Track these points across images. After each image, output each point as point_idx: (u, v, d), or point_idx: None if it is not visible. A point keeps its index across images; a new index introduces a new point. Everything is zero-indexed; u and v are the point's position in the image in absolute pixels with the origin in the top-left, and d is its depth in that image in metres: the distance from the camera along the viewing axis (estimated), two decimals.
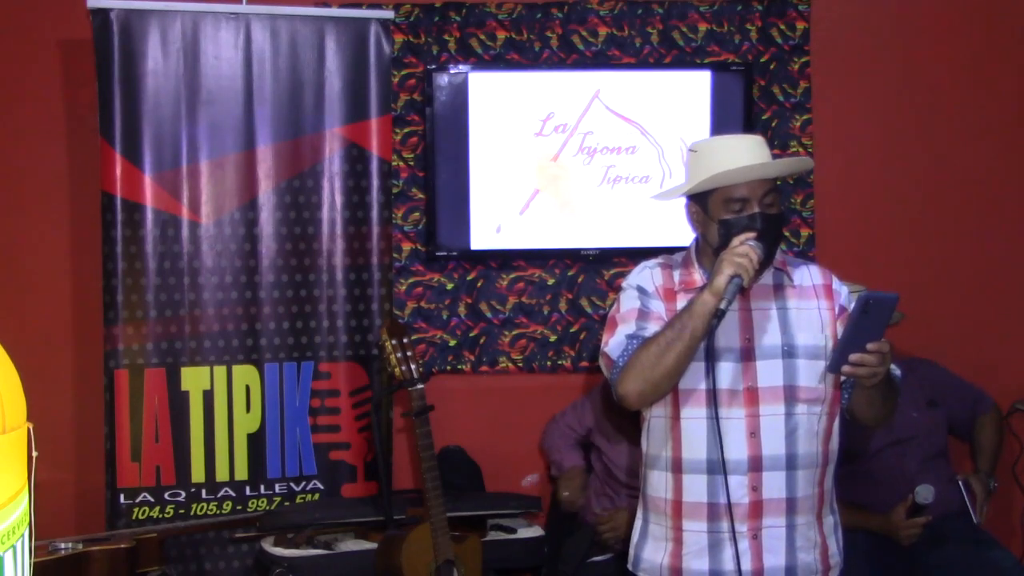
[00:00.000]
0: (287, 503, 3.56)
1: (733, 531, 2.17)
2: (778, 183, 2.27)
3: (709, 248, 2.25)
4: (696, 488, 2.21)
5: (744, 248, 2.11)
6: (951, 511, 3.33)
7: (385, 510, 3.33)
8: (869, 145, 3.96)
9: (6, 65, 3.71)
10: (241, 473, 3.53)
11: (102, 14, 3.44)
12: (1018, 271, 3.97)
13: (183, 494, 3.48)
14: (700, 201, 2.27)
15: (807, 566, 2.23)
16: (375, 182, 3.67)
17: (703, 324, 2.09)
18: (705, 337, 2.11)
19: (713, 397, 2.16)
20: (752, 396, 2.20)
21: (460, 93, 3.75)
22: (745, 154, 2.20)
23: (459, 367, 3.87)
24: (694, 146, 2.31)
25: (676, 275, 2.31)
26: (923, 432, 3.39)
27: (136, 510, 3.44)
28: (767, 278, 2.27)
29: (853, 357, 2.04)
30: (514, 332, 3.88)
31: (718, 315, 2.08)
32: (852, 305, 2.15)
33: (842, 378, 2.18)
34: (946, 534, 3.23)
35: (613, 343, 2.23)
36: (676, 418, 2.23)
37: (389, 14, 3.72)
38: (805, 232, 3.93)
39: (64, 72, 3.73)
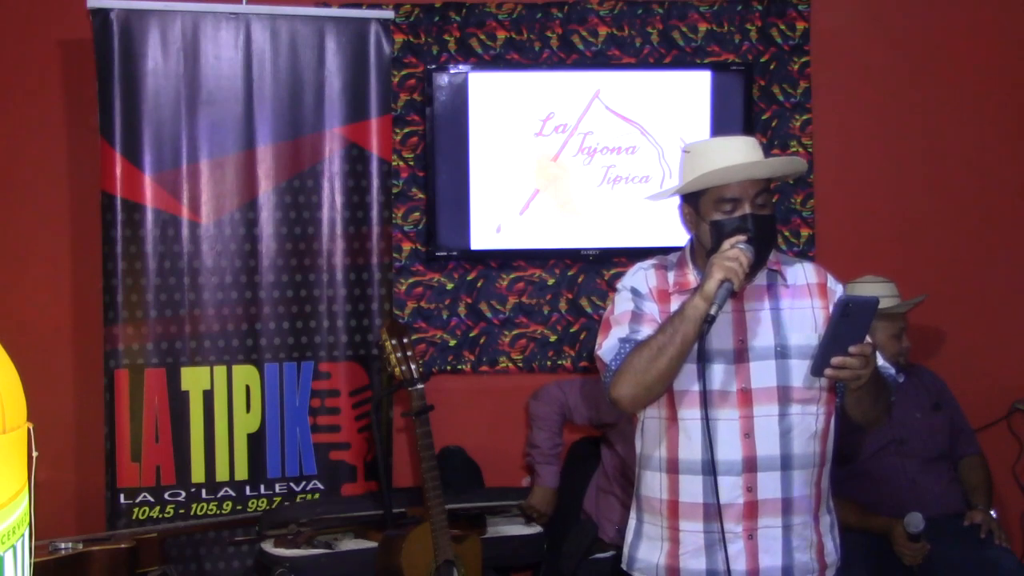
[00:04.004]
0: (287, 503, 3.55)
1: (722, 531, 2.17)
2: (772, 184, 2.27)
3: (703, 249, 2.25)
4: (692, 489, 2.21)
5: (734, 252, 2.11)
6: (951, 511, 3.33)
7: (385, 510, 3.33)
8: (869, 145, 3.96)
9: (6, 65, 3.71)
10: (241, 473, 3.53)
11: (102, 14, 3.44)
12: (1018, 271, 3.97)
13: (183, 494, 3.48)
14: (692, 202, 2.27)
15: (803, 565, 2.23)
16: (375, 182, 3.67)
17: (694, 328, 2.09)
18: (696, 341, 2.11)
19: (705, 399, 2.16)
20: (745, 397, 2.20)
21: (460, 93, 3.75)
22: (736, 155, 2.20)
23: (459, 367, 3.87)
24: (687, 147, 2.32)
25: (670, 276, 2.31)
26: (924, 433, 3.39)
27: (136, 510, 3.44)
28: (760, 279, 2.26)
29: (835, 360, 2.04)
30: (514, 332, 3.88)
31: (709, 320, 2.08)
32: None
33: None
34: (946, 534, 3.23)
35: (607, 346, 2.24)
36: (671, 419, 2.24)
37: (389, 14, 3.72)
38: (805, 232, 3.93)
39: (64, 72, 3.73)
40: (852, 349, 2.03)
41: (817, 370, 2.08)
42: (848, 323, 2.02)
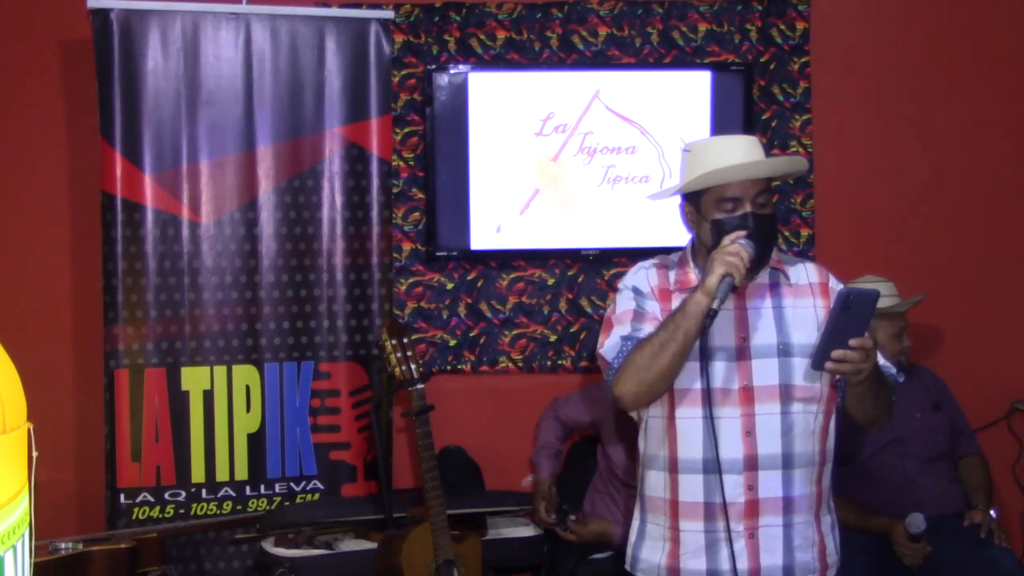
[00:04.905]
0: (287, 503, 3.56)
1: (728, 529, 2.17)
2: (773, 183, 2.27)
3: (704, 248, 2.26)
4: (692, 488, 2.21)
5: (735, 247, 2.11)
6: (951, 511, 3.33)
7: (385, 510, 3.33)
8: (869, 145, 3.96)
9: (6, 65, 3.71)
10: (241, 473, 3.54)
11: (102, 14, 3.44)
12: (1018, 271, 3.97)
13: (183, 494, 3.48)
14: (693, 201, 2.27)
15: (805, 565, 2.23)
16: (375, 182, 3.67)
17: (696, 324, 2.09)
18: (699, 337, 2.11)
19: (708, 396, 2.16)
20: (747, 395, 2.19)
21: (460, 93, 3.75)
22: (737, 153, 2.20)
23: (459, 367, 3.88)
24: (688, 146, 2.32)
25: (672, 275, 2.31)
26: (924, 433, 3.39)
27: (136, 510, 3.44)
28: (763, 277, 2.27)
29: (835, 354, 2.02)
30: (514, 332, 3.88)
31: (710, 315, 2.08)
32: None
33: (837, 376, 2.18)
34: (946, 534, 3.23)
35: (608, 344, 2.24)
36: (672, 418, 2.23)
37: (389, 14, 3.72)
38: (805, 232, 3.93)
39: (64, 72, 3.73)
40: (852, 342, 2.02)
41: (817, 363, 2.07)
42: (849, 316, 2.01)
